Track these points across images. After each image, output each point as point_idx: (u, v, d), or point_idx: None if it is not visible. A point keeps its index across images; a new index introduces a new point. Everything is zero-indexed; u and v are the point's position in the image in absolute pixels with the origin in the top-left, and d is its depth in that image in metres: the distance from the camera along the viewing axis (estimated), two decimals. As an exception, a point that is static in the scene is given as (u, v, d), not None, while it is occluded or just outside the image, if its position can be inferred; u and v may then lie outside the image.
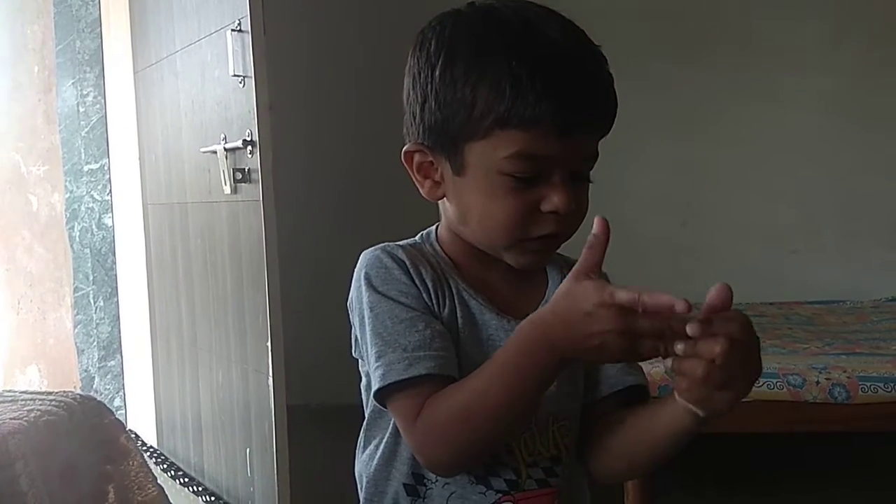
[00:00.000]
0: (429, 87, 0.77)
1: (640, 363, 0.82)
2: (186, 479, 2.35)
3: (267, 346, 1.91)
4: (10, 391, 1.54)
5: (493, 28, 0.76)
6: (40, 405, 1.35)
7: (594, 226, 0.71)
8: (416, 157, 0.81)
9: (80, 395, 1.52)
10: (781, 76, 3.13)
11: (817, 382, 1.97)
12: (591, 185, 0.81)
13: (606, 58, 0.77)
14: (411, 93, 0.80)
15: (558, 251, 0.88)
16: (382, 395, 0.76)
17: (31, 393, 1.50)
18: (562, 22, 0.77)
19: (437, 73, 0.77)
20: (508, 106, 0.73)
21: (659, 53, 3.14)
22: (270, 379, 1.91)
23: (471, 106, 0.75)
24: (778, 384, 1.97)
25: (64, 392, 1.50)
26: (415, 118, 0.80)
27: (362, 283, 0.79)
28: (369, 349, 0.77)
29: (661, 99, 3.16)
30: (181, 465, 2.44)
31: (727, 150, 3.18)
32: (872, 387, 1.95)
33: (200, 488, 2.28)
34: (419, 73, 0.79)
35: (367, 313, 0.78)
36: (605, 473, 0.83)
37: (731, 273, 3.18)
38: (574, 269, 0.71)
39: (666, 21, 3.16)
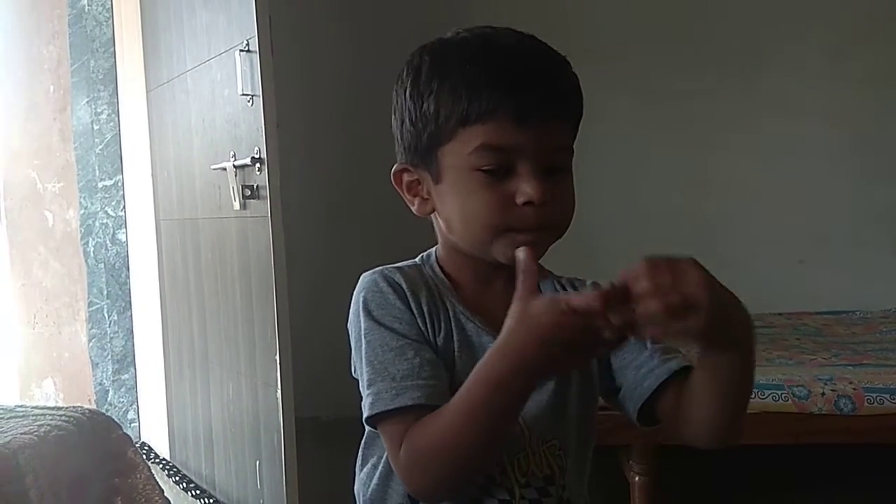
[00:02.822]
0: (403, 109, 0.82)
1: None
2: (198, 492, 2.37)
3: (275, 360, 1.94)
4: (21, 406, 1.58)
5: (452, 46, 0.82)
6: (50, 420, 1.39)
7: (520, 257, 0.74)
8: (405, 178, 0.85)
9: (89, 410, 1.55)
10: (789, 85, 3.13)
11: (823, 394, 1.96)
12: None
13: (569, 62, 0.81)
14: (394, 121, 0.85)
15: (551, 271, 0.90)
16: (373, 422, 0.78)
17: (42, 408, 1.53)
18: (519, 34, 0.82)
19: (407, 93, 0.82)
20: (465, 105, 0.77)
21: (667, 65, 3.15)
22: (279, 392, 1.93)
23: (436, 114, 0.79)
24: (783, 396, 1.97)
25: (73, 407, 1.53)
26: (398, 142, 0.85)
27: (360, 307, 0.81)
28: (362, 375, 0.80)
29: (669, 110, 3.17)
30: (193, 478, 2.47)
31: (735, 160, 3.18)
32: (879, 398, 1.94)
33: (212, 500, 2.30)
34: (396, 101, 0.84)
35: (362, 340, 0.80)
36: (700, 436, 0.80)
37: (739, 283, 3.18)
38: (517, 295, 0.71)
39: (673, 34, 3.17)
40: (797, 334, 2.63)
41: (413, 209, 0.86)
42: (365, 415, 0.78)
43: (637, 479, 1.97)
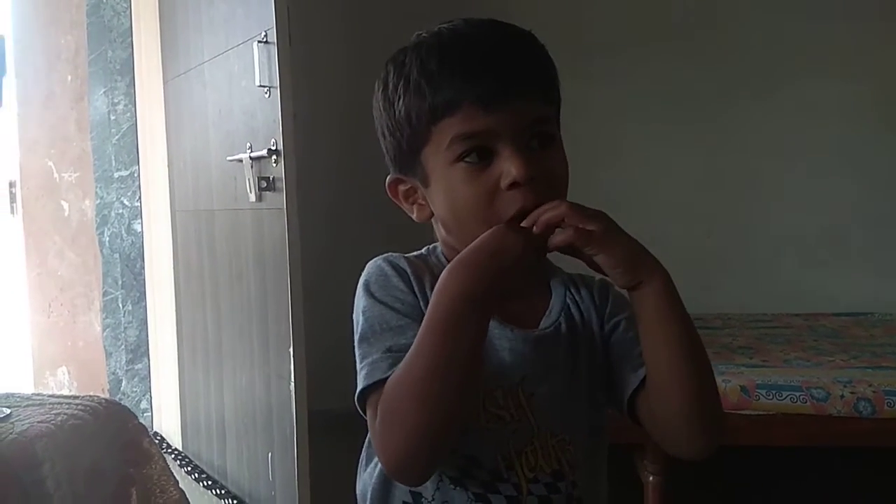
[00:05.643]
0: (381, 121, 0.82)
1: None
2: (210, 482, 2.38)
3: (289, 352, 1.94)
4: (38, 395, 1.58)
5: (410, 49, 0.81)
6: (67, 409, 1.39)
7: None
8: (400, 188, 0.85)
9: (106, 400, 1.55)
10: (807, 84, 3.10)
11: (842, 396, 1.94)
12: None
13: (537, 40, 0.80)
14: (379, 136, 0.85)
15: (560, 268, 0.89)
16: (364, 397, 0.75)
17: (59, 397, 1.54)
18: (474, 22, 0.80)
19: (380, 105, 0.82)
20: (431, 101, 0.77)
21: (684, 62, 3.13)
22: (292, 384, 1.93)
23: (408, 117, 0.79)
24: (801, 397, 1.95)
25: (90, 396, 1.53)
26: (385, 155, 0.85)
27: (362, 290, 0.80)
28: (357, 352, 0.78)
29: (687, 110, 3.14)
30: (205, 468, 2.47)
31: (752, 159, 3.15)
32: (899, 401, 1.92)
33: (223, 491, 2.31)
34: (375, 115, 0.84)
35: (360, 318, 0.79)
36: (662, 414, 0.78)
37: (756, 284, 3.17)
38: None
39: (691, 30, 3.14)
40: (815, 335, 2.61)
41: (413, 217, 0.85)
42: (359, 387, 0.75)
43: (651, 479, 1.95)
